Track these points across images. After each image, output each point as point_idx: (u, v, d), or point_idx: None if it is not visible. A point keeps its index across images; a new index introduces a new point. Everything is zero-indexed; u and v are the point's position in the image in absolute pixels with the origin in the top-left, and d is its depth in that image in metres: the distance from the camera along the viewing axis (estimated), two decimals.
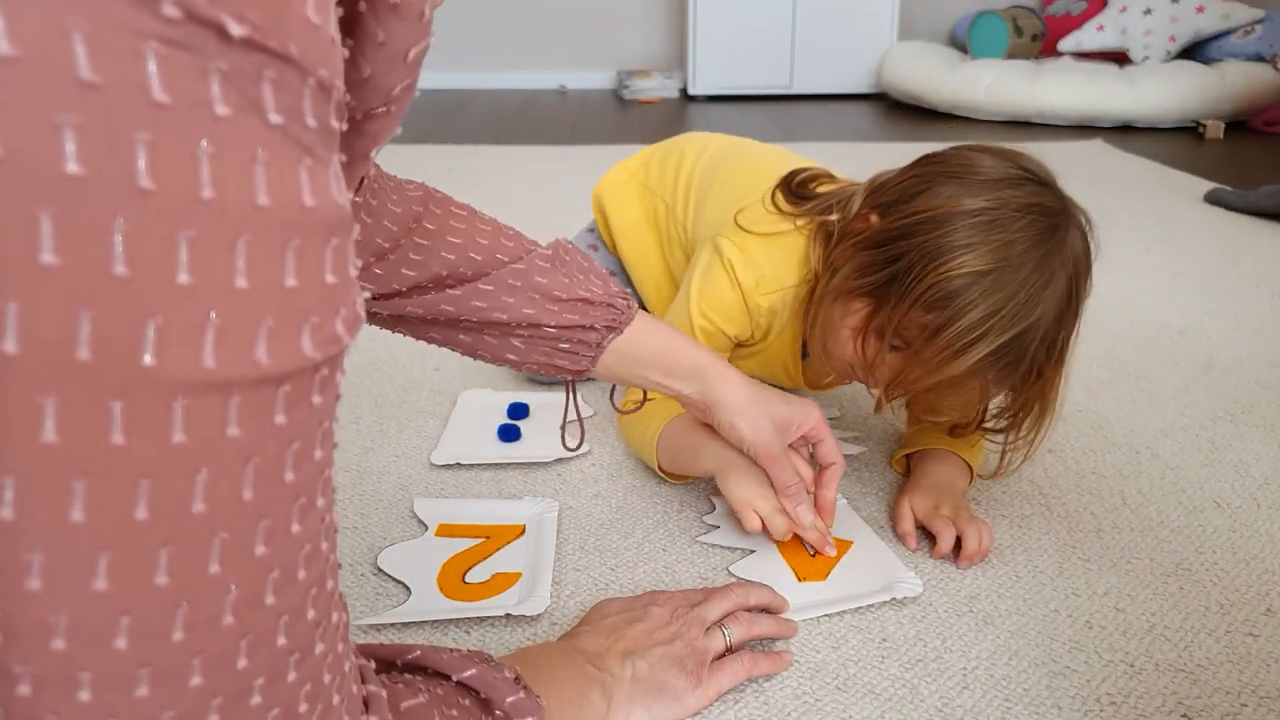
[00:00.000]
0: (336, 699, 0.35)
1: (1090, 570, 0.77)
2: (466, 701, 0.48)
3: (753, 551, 0.78)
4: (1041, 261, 0.69)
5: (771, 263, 0.82)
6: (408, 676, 0.48)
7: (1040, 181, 0.74)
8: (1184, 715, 0.62)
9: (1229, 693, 0.64)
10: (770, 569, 0.76)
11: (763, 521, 0.74)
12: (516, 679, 0.51)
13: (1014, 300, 0.68)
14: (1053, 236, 0.71)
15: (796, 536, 0.77)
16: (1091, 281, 0.74)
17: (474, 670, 0.49)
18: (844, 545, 0.79)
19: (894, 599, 0.71)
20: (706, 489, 0.88)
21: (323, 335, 0.28)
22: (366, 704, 0.40)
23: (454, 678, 0.48)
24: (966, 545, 0.76)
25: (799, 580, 0.75)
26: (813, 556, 0.77)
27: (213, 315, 0.24)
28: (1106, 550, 0.79)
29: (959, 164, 0.74)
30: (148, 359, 0.24)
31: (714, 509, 0.84)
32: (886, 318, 0.71)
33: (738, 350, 0.89)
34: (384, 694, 0.42)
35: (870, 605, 0.71)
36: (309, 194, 0.26)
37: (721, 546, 0.79)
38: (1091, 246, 0.74)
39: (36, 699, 0.26)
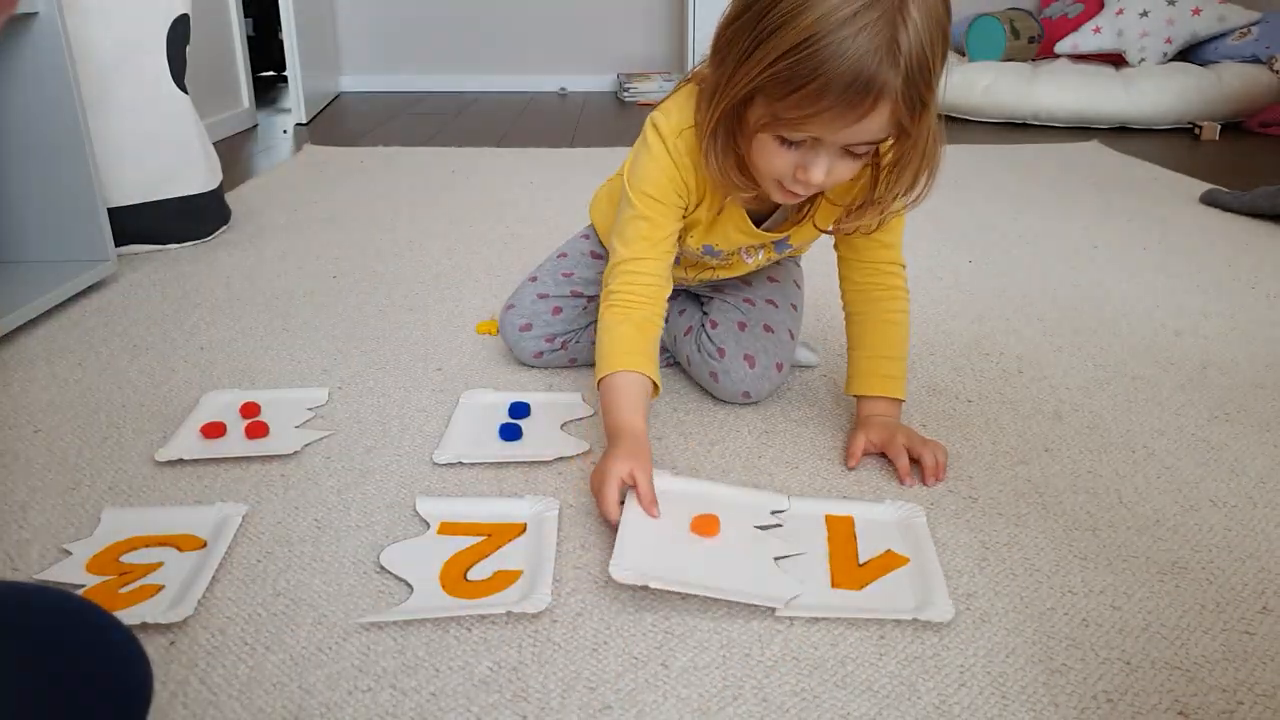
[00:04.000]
0: None
1: (1087, 568, 0.77)
2: None
3: (802, 554, 0.78)
4: None
5: (678, 107, 0.89)
6: None
7: None
8: (1180, 713, 0.62)
9: (1225, 690, 0.64)
10: (809, 570, 0.76)
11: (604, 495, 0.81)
12: None
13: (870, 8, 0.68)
14: None
15: (845, 545, 0.79)
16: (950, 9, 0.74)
17: None
18: (899, 560, 0.77)
19: (918, 620, 0.70)
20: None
21: None
22: None
23: None
24: (925, 464, 0.89)
25: (832, 586, 0.74)
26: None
27: None
28: (1103, 548, 0.80)
29: None
30: None
31: (786, 508, 0.85)
32: (774, 85, 0.72)
33: (692, 229, 0.96)
34: None
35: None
36: None
37: (774, 541, 0.79)
38: None
39: None
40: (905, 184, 0.82)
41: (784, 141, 0.77)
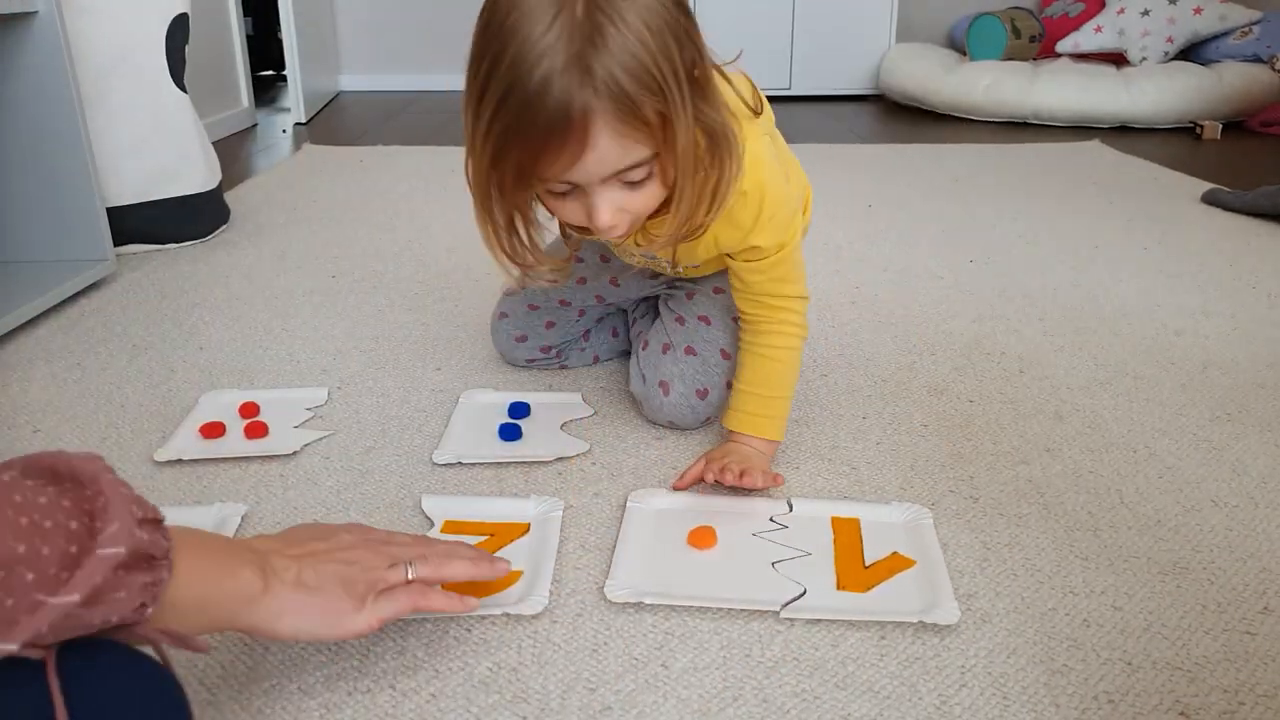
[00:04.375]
0: None
1: (1088, 569, 0.77)
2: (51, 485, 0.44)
3: (808, 554, 0.78)
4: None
5: None
6: None
7: None
8: (1181, 713, 0.62)
9: (1226, 691, 0.64)
10: (812, 571, 0.75)
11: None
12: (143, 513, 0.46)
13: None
14: None
15: (850, 547, 0.78)
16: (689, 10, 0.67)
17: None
18: (905, 563, 0.77)
19: (923, 622, 0.70)
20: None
21: None
22: None
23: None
24: (728, 472, 0.83)
25: (838, 589, 0.74)
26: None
27: None
28: (1104, 549, 0.80)
29: None
30: None
31: (789, 509, 0.84)
32: (496, 148, 0.67)
33: None
34: None
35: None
36: None
37: (778, 544, 0.79)
38: None
39: None
40: (691, 192, 0.73)
41: (554, 194, 0.71)
